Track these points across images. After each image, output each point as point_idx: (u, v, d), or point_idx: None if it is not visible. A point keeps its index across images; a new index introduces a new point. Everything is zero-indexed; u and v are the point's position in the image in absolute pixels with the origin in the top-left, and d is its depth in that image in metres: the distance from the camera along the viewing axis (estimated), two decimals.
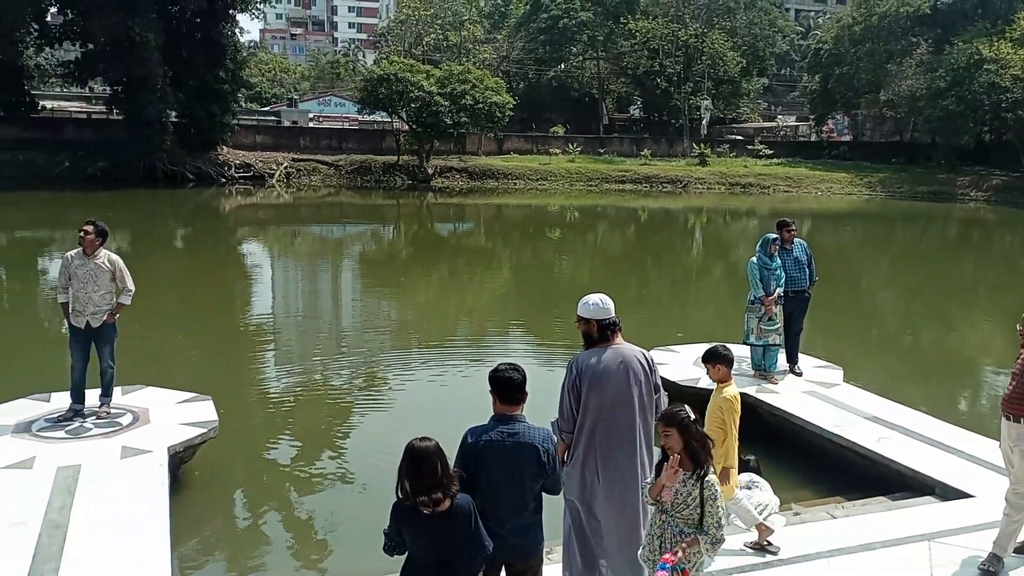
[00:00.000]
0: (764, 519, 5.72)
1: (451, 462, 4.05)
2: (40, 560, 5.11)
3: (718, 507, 4.09)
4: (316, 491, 7.95)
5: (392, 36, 69.77)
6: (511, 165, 51.12)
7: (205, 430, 7.40)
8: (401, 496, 3.86)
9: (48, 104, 46.51)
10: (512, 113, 49.16)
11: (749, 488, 5.92)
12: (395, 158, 48.13)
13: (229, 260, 23.87)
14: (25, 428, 7.25)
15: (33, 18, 40.73)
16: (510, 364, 4.39)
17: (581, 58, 65.92)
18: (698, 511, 4.08)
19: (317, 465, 8.57)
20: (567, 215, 39.57)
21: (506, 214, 39.65)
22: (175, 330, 14.44)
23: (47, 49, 46.37)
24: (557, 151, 55.26)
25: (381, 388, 11.45)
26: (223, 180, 43.52)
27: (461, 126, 45.74)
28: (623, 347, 4.99)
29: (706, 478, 4.08)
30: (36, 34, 42.17)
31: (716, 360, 5.78)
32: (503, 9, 75.94)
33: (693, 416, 4.16)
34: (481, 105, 45.32)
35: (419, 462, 3.81)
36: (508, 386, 4.31)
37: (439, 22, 64.25)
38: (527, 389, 4.39)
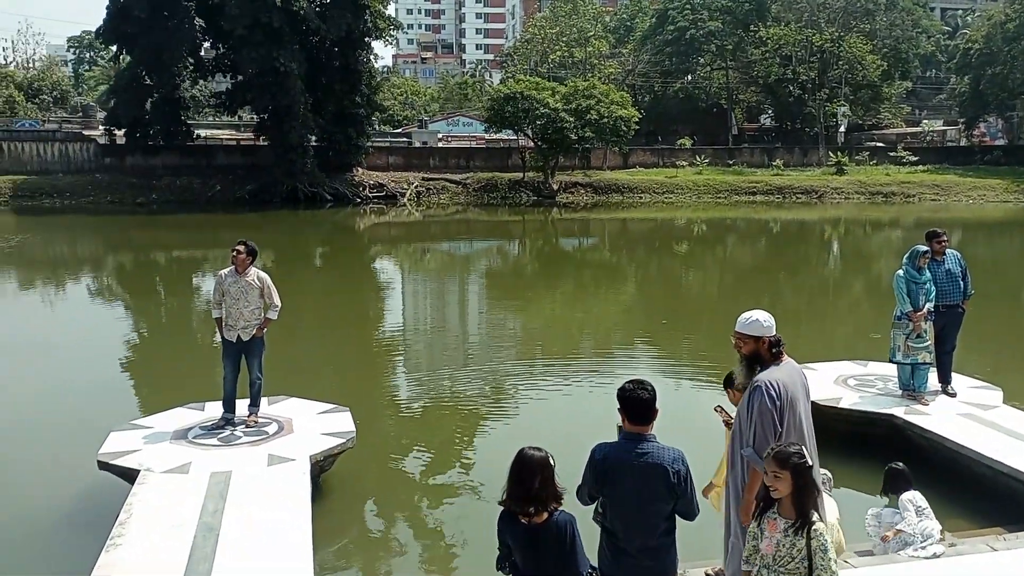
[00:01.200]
0: (924, 552, 5.34)
1: (578, 475, 4.05)
2: (195, 560, 5.46)
3: (829, 559, 3.74)
4: (445, 503, 8.11)
5: (518, 55, 70.80)
6: (636, 179, 50.65)
7: (344, 440, 7.71)
8: (503, 500, 3.88)
9: (202, 132, 50.01)
10: (637, 127, 48.77)
11: (917, 514, 5.53)
12: (520, 175, 48.74)
13: (363, 276, 24.84)
14: (182, 435, 7.78)
15: (189, 53, 44.02)
16: (639, 382, 4.29)
17: (709, 68, 64.60)
18: (805, 564, 3.74)
19: (446, 476, 8.75)
20: (694, 228, 38.76)
21: (631, 228, 39.29)
22: (314, 343, 15.14)
23: (201, 81, 49.97)
24: (684, 163, 54.30)
25: (507, 400, 11.58)
26: (358, 200, 45.39)
27: (586, 141, 45.80)
28: (793, 363, 4.77)
29: (813, 527, 3.75)
30: (192, 68, 45.53)
31: (728, 386, 5.66)
32: (628, 23, 75.60)
33: (810, 462, 3.83)
34: (606, 120, 45.23)
35: (523, 469, 3.88)
36: (637, 405, 4.22)
37: (564, 39, 64.67)
38: (657, 407, 4.31)
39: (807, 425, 4.71)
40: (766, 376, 4.61)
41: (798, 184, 50.45)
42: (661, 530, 4.20)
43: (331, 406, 8.66)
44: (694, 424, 8.62)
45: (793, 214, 43.61)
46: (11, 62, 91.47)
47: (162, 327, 17.74)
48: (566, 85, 48.52)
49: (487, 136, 57.14)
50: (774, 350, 4.67)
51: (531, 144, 48.15)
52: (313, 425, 8.06)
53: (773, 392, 4.53)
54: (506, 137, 54.43)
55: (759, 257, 29.97)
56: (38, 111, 61.81)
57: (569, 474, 4.35)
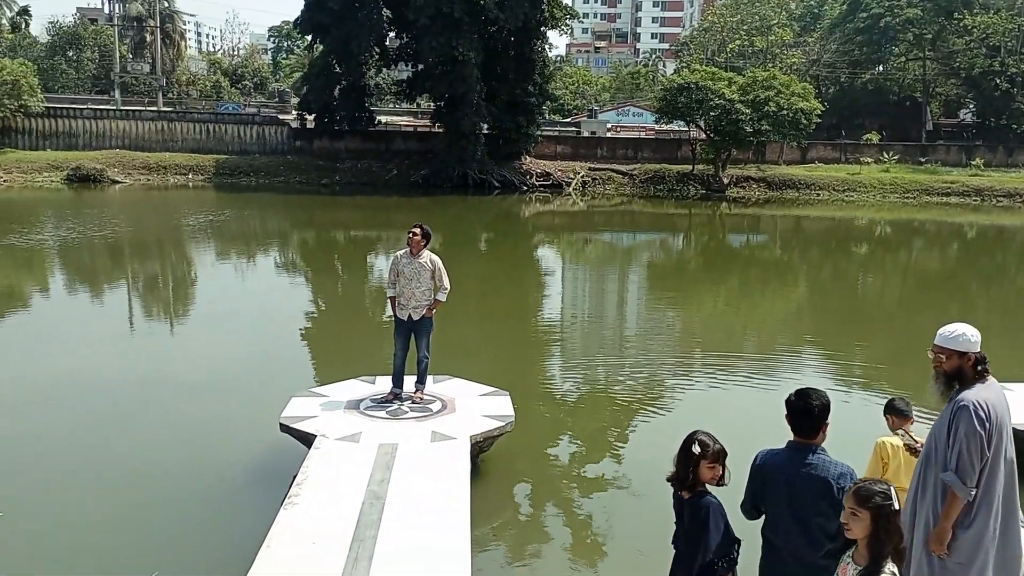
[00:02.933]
0: None
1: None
2: (363, 526, 5.80)
3: None
4: (594, 493, 8.15)
5: (695, 44, 69.07)
6: (815, 175, 48.14)
7: (503, 424, 7.90)
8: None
9: (383, 118, 52.49)
10: (819, 120, 46.28)
11: None
12: (690, 167, 47.62)
13: (525, 263, 25.24)
14: (355, 406, 8.27)
15: (376, 43, 46.30)
16: (809, 392, 4.10)
17: (904, 59, 60.18)
18: None
19: (597, 467, 8.78)
20: (877, 229, 36.35)
21: (806, 226, 37.42)
22: (477, 325, 15.58)
23: (384, 70, 52.42)
24: (869, 160, 50.98)
25: (662, 394, 11.43)
26: (524, 188, 46.08)
27: (762, 134, 44.02)
28: (996, 384, 4.39)
29: None
30: (377, 57, 47.88)
31: (887, 412, 5.54)
32: (816, 11, 71.75)
33: (896, 505, 3.37)
34: (785, 112, 43.26)
35: (681, 448, 4.14)
36: (804, 416, 4.04)
37: (745, 28, 62.37)
38: (828, 420, 4.11)
39: (1012, 452, 4.32)
40: (973, 396, 4.23)
41: (1000, 186, 46.08)
42: (825, 550, 3.99)
43: (491, 389, 8.89)
44: (866, 440, 8.14)
45: (992, 218, 39.90)
46: (219, 50, 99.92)
47: (338, 301, 18.88)
48: (744, 75, 46.82)
49: (657, 127, 56.25)
50: (979, 368, 4.29)
51: (703, 136, 46.91)
52: (474, 406, 8.32)
53: (982, 413, 4.16)
54: (677, 128, 53.34)
55: (949, 264, 27.69)
56: (240, 95, 67.23)
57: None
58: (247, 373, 12.04)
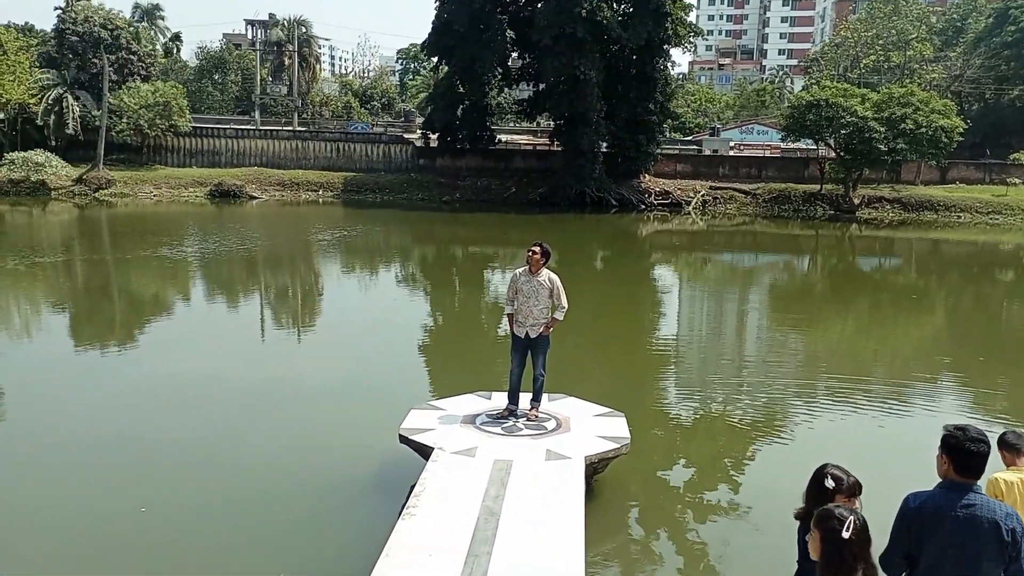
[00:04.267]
0: None
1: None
2: (477, 541, 5.85)
3: None
4: (709, 520, 7.91)
5: (825, 60, 66.63)
6: (955, 196, 45.31)
7: (619, 446, 7.81)
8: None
9: (503, 137, 53.31)
10: (961, 138, 43.58)
11: None
12: (817, 187, 45.82)
13: (642, 282, 24.94)
14: (471, 421, 8.37)
15: (499, 63, 47.17)
16: (976, 433, 3.81)
17: None
18: None
19: (712, 494, 8.52)
20: None
21: (945, 250, 35.24)
22: (592, 344, 15.49)
23: (506, 90, 53.31)
24: (1017, 181, 47.56)
25: (783, 421, 10.98)
26: (643, 206, 45.62)
27: (897, 153, 41.84)
28: None
29: None
30: (500, 77, 48.74)
31: (1000, 447, 4.97)
32: (959, 24, 67.82)
33: (846, 534, 3.19)
34: (924, 130, 40.99)
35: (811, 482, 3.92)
36: (973, 458, 3.75)
37: (881, 42, 59.68)
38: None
39: None
40: None
41: None
42: None
43: (607, 409, 8.80)
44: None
45: None
46: (350, 72, 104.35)
47: (455, 316, 19.22)
48: (878, 92, 44.73)
49: (783, 145, 54.46)
50: None
51: (832, 155, 45.08)
52: (589, 426, 8.26)
53: None
54: (804, 147, 51.47)
55: None
56: (369, 115, 69.86)
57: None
58: (368, 382, 12.43)
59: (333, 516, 7.62)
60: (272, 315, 18.05)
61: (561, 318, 8.63)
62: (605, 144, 45.36)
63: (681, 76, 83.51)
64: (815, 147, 48.56)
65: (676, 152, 53.33)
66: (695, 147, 57.12)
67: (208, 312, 18.05)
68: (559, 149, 46.75)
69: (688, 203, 46.17)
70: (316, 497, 7.98)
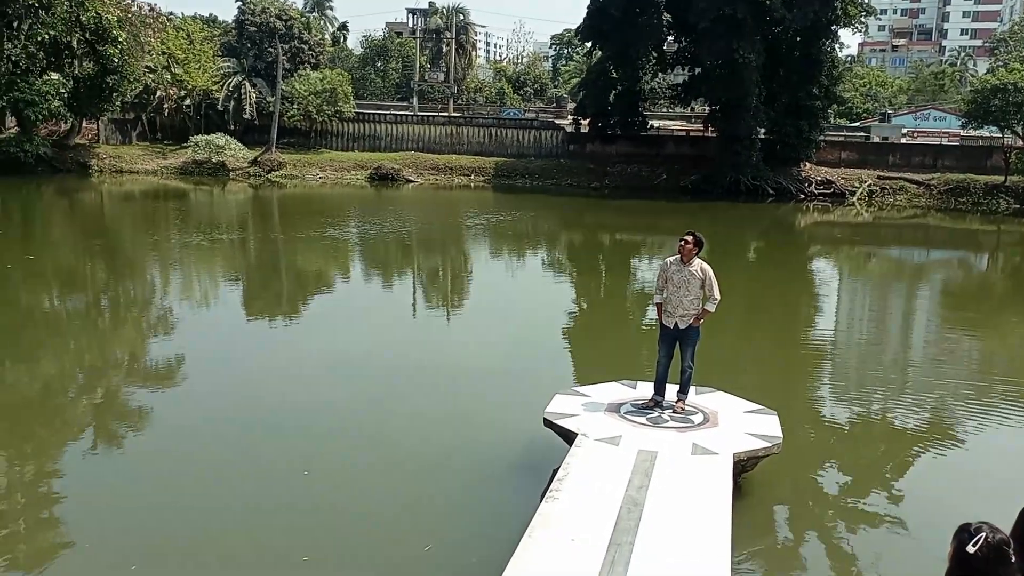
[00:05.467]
0: None
1: None
2: (620, 530, 5.82)
3: None
4: (862, 530, 7.50)
5: (1015, 40, 60.84)
6: None
7: (770, 444, 7.53)
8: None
9: (655, 123, 52.38)
10: None
11: None
12: (1000, 178, 42.03)
13: (798, 275, 23.85)
14: (615, 409, 8.33)
15: (654, 47, 46.32)
16: None
17: None
18: None
19: (867, 502, 8.07)
20: None
21: None
22: (742, 338, 15.00)
23: (660, 74, 52.28)
24: None
25: (950, 427, 10.25)
26: (802, 196, 43.55)
27: None
28: None
29: None
30: (654, 61, 47.87)
31: None
32: None
33: (972, 548, 2.96)
34: None
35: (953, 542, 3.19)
36: None
37: None
38: None
39: None
40: None
41: None
42: None
43: (758, 407, 8.51)
44: None
45: None
46: (505, 58, 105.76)
47: (600, 302, 19.15)
48: None
49: (962, 133, 50.26)
50: None
51: (1019, 143, 41.19)
52: (739, 423, 8.02)
53: None
54: (987, 135, 47.31)
55: None
56: (521, 101, 70.62)
57: None
58: (512, 364, 12.64)
59: (476, 493, 7.82)
60: (424, 295, 18.69)
61: (713, 310, 8.41)
62: (763, 130, 43.59)
63: (849, 58, 78.71)
64: (999, 135, 44.56)
65: (841, 139, 50.41)
66: (862, 134, 53.79)
67: (365, 290, 18.94)
68: (714, 135, 45.40)
69: (852, 193, 43.61)
70: (460, 473, 8.23)
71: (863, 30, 52.31)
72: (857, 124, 60.16)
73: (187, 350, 12.55)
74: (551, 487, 6.57)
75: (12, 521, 7.14)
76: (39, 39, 37.05)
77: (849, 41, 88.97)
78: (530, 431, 8.76)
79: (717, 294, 8.35)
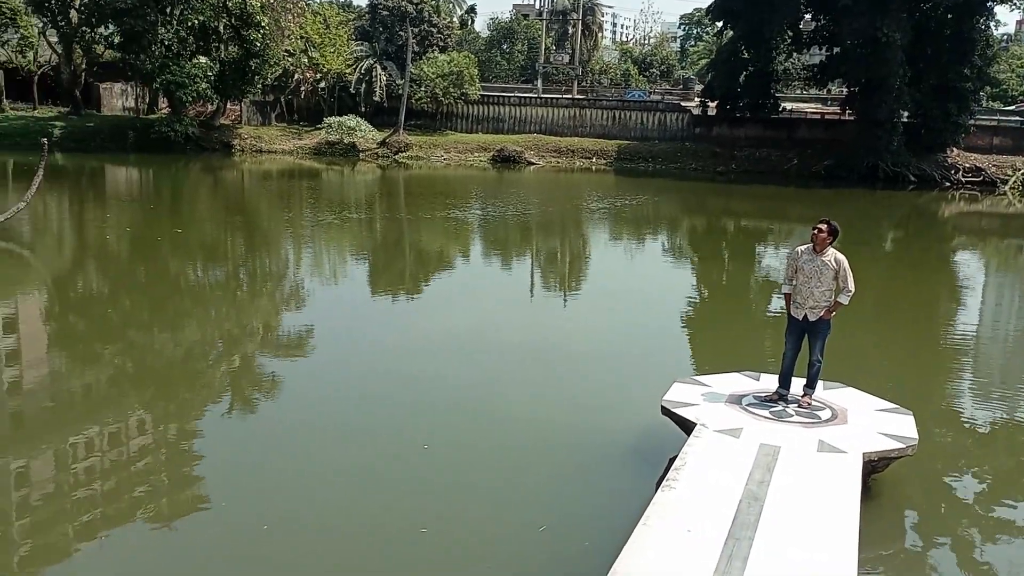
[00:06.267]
0: None
1: None
2: (739, 524, 5.66)
3: None
4: (1000, 539, 7.07)
5: None
6: None
7: (903, 446, 7.13)
8: None
9: (787, 105, 50.31)
10: None
11: None
12: None
13: (938, 268, 22.42)
14: (736, 400, 8.09)
15: (789, 26, 44.39)
16: None
17: None
18: None
19: (1007, 509, 7.56)
20: None
21: None
22: (876, 333, 14.25)
23: (795, 55, 50.09)
24: None
25: None
26: (947, 184, 40.86)
27: None
28: None
29: None
30: (789, 40, 45.90)
31: None
32: None
33: None
34: None
35: None
36: None
37: None
38: None
39: None
40: None
41: None
42: None
43: (891, 405, 8.07)
44: None
45: None
46: (631, 39, 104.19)
47: (721, 290, 18.63)
48: None
49: None
50: None
51: None
52: (869, 421, 7.62)
53: None
54: None
55: None
56: (646, 83, 69.41)
57: None
58: (629, 349, 12.50)
59: (590, 477, 7.80)
60: (542, 277, 18.75)
61: (846, 302, 8.00)
62: (906, 113, 41.09)
63: (1006, 37, 72.85)
64: None
65: (993, 124, 46.84)
66: (1018, 118, 49.77)
67: (484, 270, 19.19)
68: (851, 118, 43.26)
69: (1004, 182, 40.56)
70: (575, 455, 8.22)
71: (1022, 8, 48.26)
72: (1012, 108, 55.68)
73: (316, 322, 13.12)
74: (668, 476, 6.47)
75: (156, 475, 7.69)
76: (189, 24, 39.38)
77: (1007, 19, 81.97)
78: (646, 418, 8.64)
79: (852, 286, 7.95)
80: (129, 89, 49.91)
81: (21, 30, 42.93)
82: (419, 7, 53.38)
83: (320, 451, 8.22)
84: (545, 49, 65.49)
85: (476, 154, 46.96)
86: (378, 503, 7.18)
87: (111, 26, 40.37)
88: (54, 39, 44.16)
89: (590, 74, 68.08)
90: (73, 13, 40.39)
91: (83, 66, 45.36)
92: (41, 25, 43.60)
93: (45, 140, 24.08)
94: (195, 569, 6.15)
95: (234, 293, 15.84)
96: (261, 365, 11.22)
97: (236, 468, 7.87)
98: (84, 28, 40.02)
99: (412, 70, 48.50)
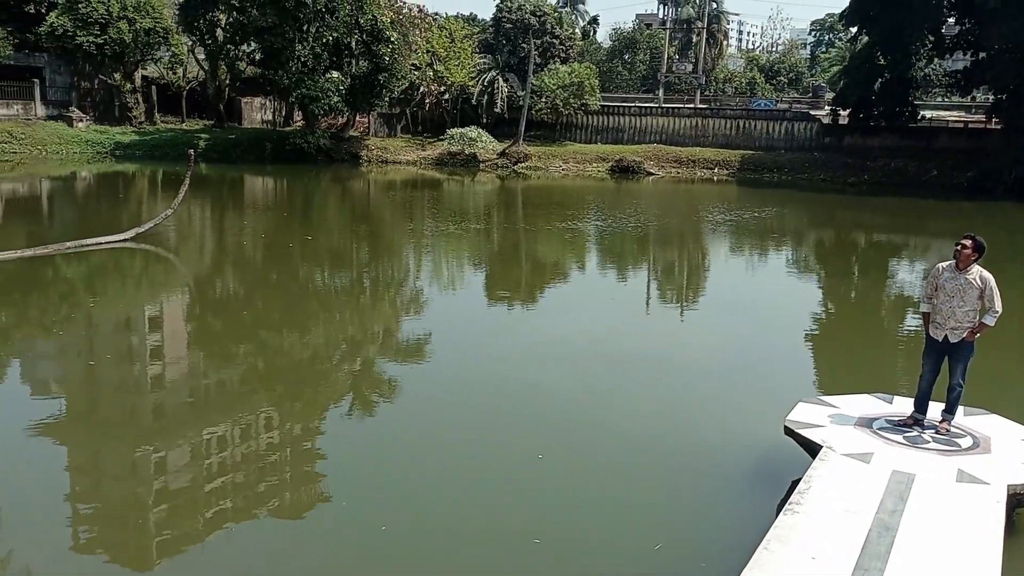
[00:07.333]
0: None
1: None
2: (868, 556, 5.35)
3: None
4: None
5: None
6: None
7: None
8: None
9: (926, 114, 47.59)
10: None
11: None
12: None
13: None
14: (866, 423, 7.67)
15: (930, 31, 42.03)
16: None
17: None
18: None
19: None
20: None
21: None
22: (1020, 356, 13.21)
23: (936, 60, 47.36)
24: None
25: None
26: None
27: None
28: None
29: None
30: (930, 46, 43.45)
31: None
32: None
33: None
34: None
35: None
36: None
37: None
38: None
39: None
40: None
41: None
42: None
43: None
44: None
45: None
46: (758, 47, 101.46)
47: (850, 307, 17.74)
48: None
49: None
50: None
51: None
52: (1015, 451, 7.06)
53: None
54: None
55: None
56: (773, 91, 67.34)
57: None
58: (750, 366, 12.08)
59: (708, 496, 7.57)
60: (658, 290, 18.44)
61: (992, 323, 7.46)
62: None
63: None
64: None
65: None
66: None
67: (600, 281, 19.06)
68: (998, 127, 40.38)
69: None
70: (691, 474, 8.01)
71: None
72: None
73: (435, 329, 13.39)
74: (791, 499, 6.18)
75: (280, 472, 8.04)
76: (324, 41, 41.28)
77: None
78: (768, 438, 8.33)
79: (999, 306, 7.40)
80: (267, 103, 52.87)
81: (172, 48, 46.24)
82: (542, 19, 53.89)
83: (437, 455, 8.36)
84: (668, 58, 64.68)
85: (594, 164, 46.85)
86: (493, 510, 7.23)
87: (253, 44, 42.84)
88: (201, 56, 47.34)
89: (714, 83, 66.71)
90: (219, 32, 43.15)
91: (227, 81, 48.39)
92: (190, 43, 46.83)
93: (191, 151, 25.82)
94: (314, 565, 6.36)
95: (358, 298, 16.41)
96: (381, 369, 11.55)
97: (356, 468, 8.11)
98: (229, 46, 42.66)
99: (533, 81, 48.96)
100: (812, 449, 7.19)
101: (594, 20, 76.47)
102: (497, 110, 50.72)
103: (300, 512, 7.23)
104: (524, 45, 51.57)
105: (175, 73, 49.02)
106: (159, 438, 8.80)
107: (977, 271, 7.50)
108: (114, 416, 9.52)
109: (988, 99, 46.09)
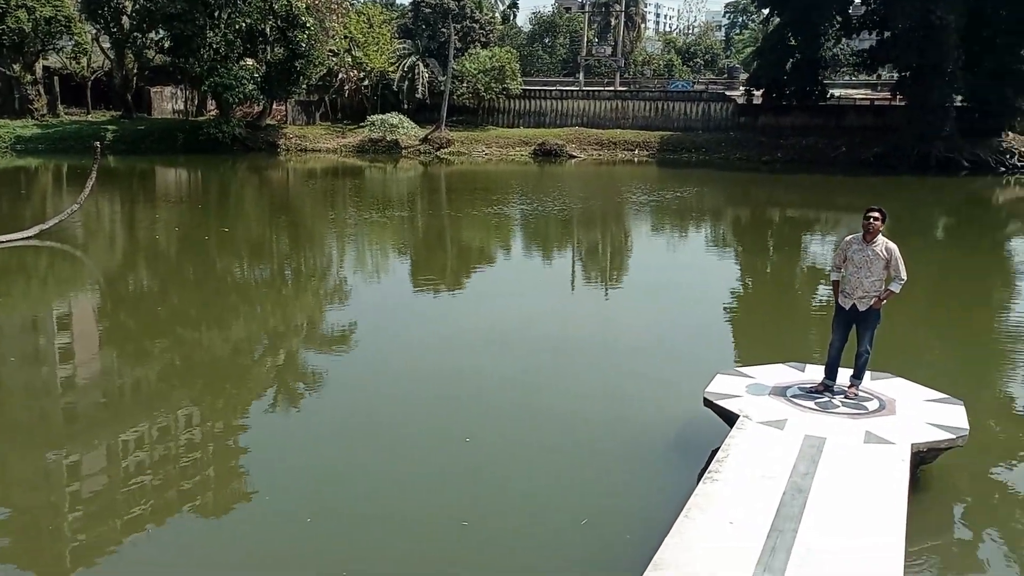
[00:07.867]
0: None
1: None
2: (782, 517, 5.56)
3: None
4: None
5: None
6: None
7: (954, 436, 6.93)
8: None
9: (835, 92, 49.27)
10: None
11: None
12: None
13: (991, 255, 21.72)
14: (780, 392, 7.94)
15: (838, 11, 43.42)
16: None
17: None
18: None
19: None
20: None
21: None
22: (925, 322, 13.90)
23: (843, 40, 49.02)
24: None
25: None
26: (1002, 169, 39.60)
27: None
28: None
29: None
30: (838, 26, 44.91)
31: None
32: None
33: None
34: None
35: None
36: None
37: None
38: None
39: None
40: None
41: None
42: None
43: (941, 395, 7.85)
44: None
45: None
46: (675, 29, 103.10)
47: (766, 282, 18.33)
48: None
49: None
50: None
51: None
52: (918, 412, 7.43)
53: None
54: None
55: None
56: (690, 73, 68.61)
57: None
58: (671, 342, 12.37)
59: (631, 469, 7.73)
60: (582, 271, 18.66)
61: (898, 291, 7.82)
62: (959, 98, 39.92)
63: None
64: None
65: None
66: None
67: (525, 265, 19.17)
68: (902, 104, 42.16)
69: None
70: (616, 448, 8.17)
71: None
72: None
73: (360, 318, 13.24)
74: (710, 468, 6.38)
75: (201, 470, 7.85)
76: (237, 27, 40.07)
77: None
78: (688, 410, 8.55)
79: (904, 275, 7.76)
80: (179, 92, 51.06)
81: (75, 37, 44.18)
82: (461, 4, 53.53)
83: (363, 444, 8.30)
84: (587, 42, 65.12)
85: (517, 148, 46.94)
86: (420, 496, 7.22)
87: (161, 31, 41.29)
88: (107, 45, 45.37)
89: (633, 65, 67.55)
90: (125, 19, 41.44)
91: (134, 71, 46.54)
92: (94, 32, 44.82)
93: (98, 144, 24.76)
94: (240, 560, 6.25)
95: (279, 290, 16.09)
96: (305, 361, 11.37)
97: (280, 462, 7.98)
98: (135, 34, 41.01)
99: (454, 66, 48.65)
100: (730, 419, 7.41)
101: (514, 4, 76.18)
102: (418, 96, 50.24)
103: (222, 510, 7.08)
104: (444, 30, 51.15)
105: (79, 63, 46.88)
106: (72, 442, 8.48)
107: (883, 242, 7.83)
108: (23, 421, 9.11)
109: (893, 77, 47.99)
